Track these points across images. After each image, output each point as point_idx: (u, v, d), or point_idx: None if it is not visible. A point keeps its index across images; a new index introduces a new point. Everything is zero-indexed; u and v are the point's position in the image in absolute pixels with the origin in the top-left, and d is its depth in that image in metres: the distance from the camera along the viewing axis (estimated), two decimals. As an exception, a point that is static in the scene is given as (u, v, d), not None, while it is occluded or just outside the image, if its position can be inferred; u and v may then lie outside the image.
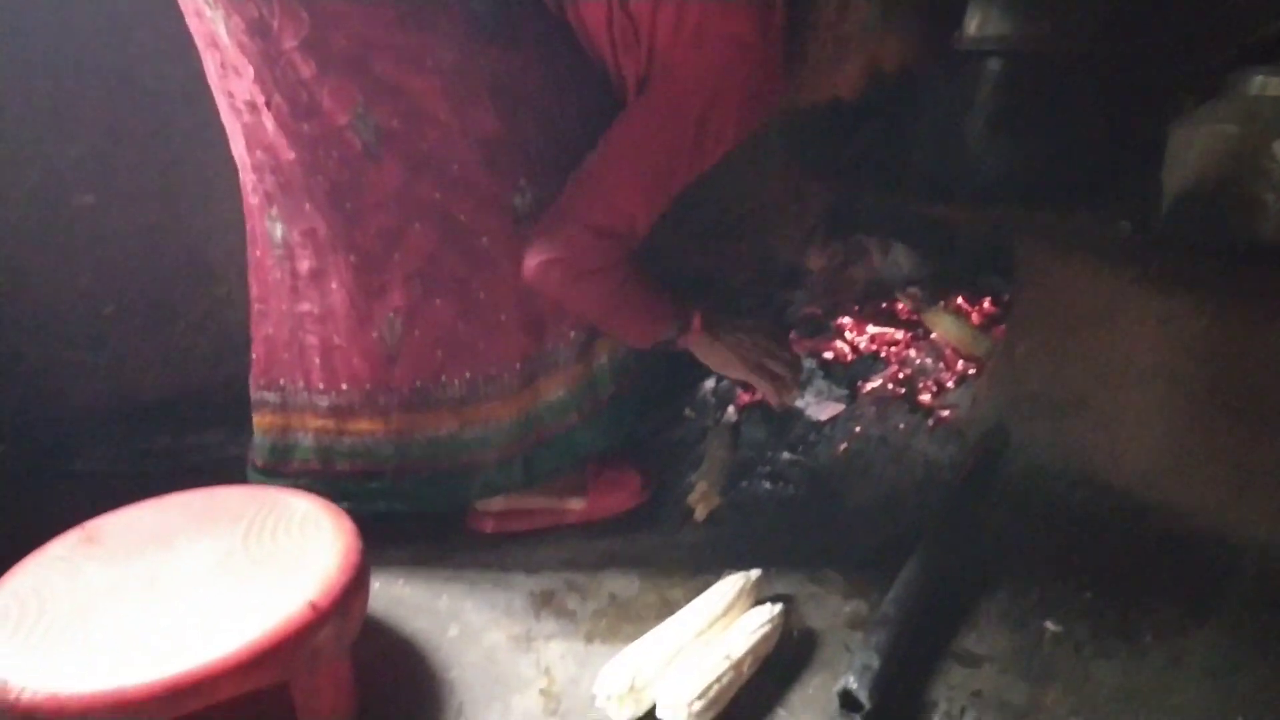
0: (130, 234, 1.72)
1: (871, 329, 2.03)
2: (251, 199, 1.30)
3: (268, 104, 1.18)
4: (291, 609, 1.01)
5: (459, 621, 1.28)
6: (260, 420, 1.38)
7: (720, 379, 1.82)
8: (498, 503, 1.46)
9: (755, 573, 1.29)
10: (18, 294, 1.68)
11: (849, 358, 1.94)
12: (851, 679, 1.10)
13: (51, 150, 1.64)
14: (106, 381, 1.75)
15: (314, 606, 1.01)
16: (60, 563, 1.09)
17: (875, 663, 1.12)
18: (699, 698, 1.05)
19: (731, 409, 1.80)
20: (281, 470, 1.37)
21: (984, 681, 1.17)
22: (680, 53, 1.18)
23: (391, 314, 1.28)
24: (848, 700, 1.09)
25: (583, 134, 1.25)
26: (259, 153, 1.24)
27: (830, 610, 1.30)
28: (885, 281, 2.17)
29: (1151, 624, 1.28)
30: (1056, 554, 1.43)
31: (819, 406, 1.82)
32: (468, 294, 1.28)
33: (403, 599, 1.32)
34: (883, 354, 1.94)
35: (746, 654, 1.14)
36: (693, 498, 1.52)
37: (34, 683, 0.92)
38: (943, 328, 1.95)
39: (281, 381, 1.35)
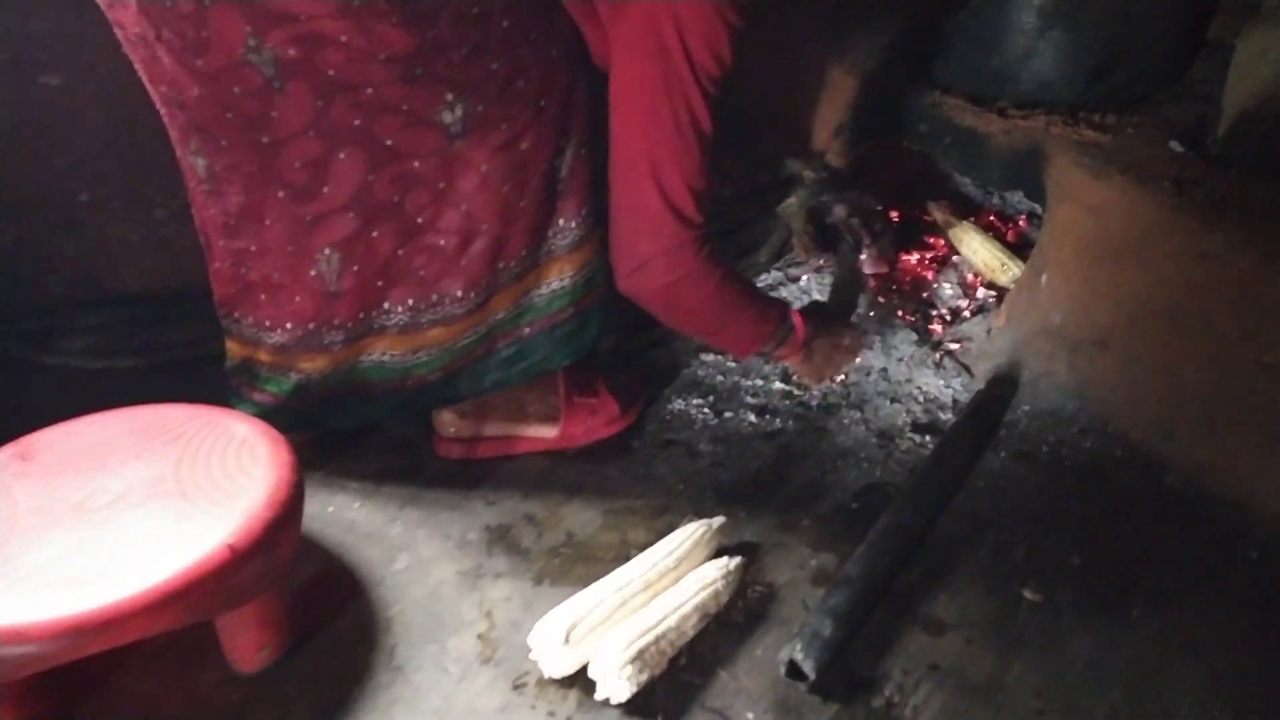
0: (103, 118, 1.63)
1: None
2: (171, 132, 1.20)
3: (158, 38, 1.07)
4: (208, 548, 0.97)
5: (409, 552, 1.24)
6: (228, 343, 1.33)
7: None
8: (465, 427, 1.41)
9: (718, 520, 1.22)
10: (-9, 174, 1.63)
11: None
12: (798, 647, 1.04)
13: (14, 25, 1.55)
14: (83, 271, 1.70)
15: (231, 548, 0.97)
16: (-10, 482, 1.06)
17: (826, 630, 1.05)
18: (631, 661, 1.00)
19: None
20: (244, 395, 1.33)
21: (945, 652, 1.10)
22: None
23: (328, 249, 1.19)
24: (793, 670, 1.04)
25: (516, 35, 1.12)
26: (163, 87, 1.13)
27: (796, 561, 1.23)
28: (914, 192, 2.01)
29: (1142, 594, 1.19)
30: (1053, 508, 1.34)
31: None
32: (405, 221, 1.19)
33: (356, 524, 1.28)
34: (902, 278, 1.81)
35: (693, 611, 1.08)
36: None
37: (-61, 612, 0.90)
38: (969, 248, 1.80)
39: (236, 314, 1.29)
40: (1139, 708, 1.04)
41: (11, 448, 1.12)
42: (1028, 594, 1.18)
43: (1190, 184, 1.43)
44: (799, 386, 1.58)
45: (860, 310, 1.70)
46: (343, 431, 1.42)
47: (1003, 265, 1.74)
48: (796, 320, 1.34)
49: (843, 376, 1.57)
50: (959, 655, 1.10)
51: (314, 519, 1.29)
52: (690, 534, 1.18)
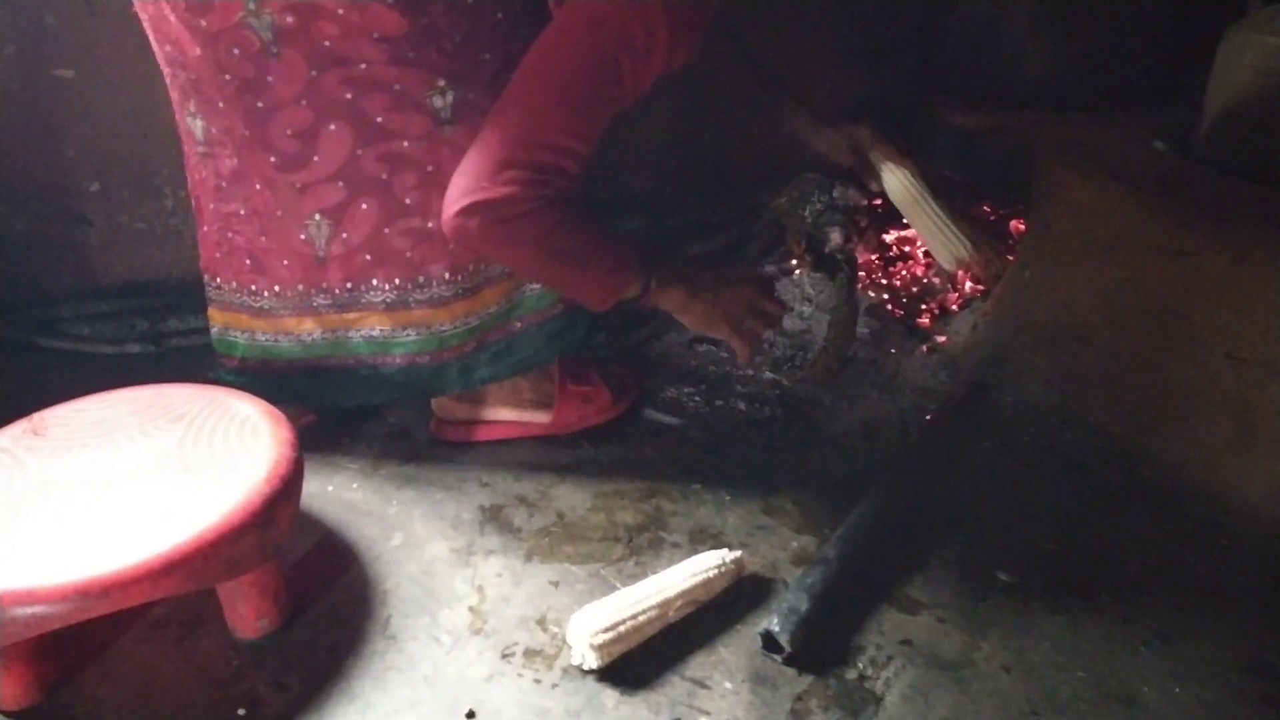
0: (113, 110, 1.68)
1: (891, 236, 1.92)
2: (173, 93, 1.25)
3: None
4: (210, 519, 1.01)
5: (404, 530, 1.28)
6: (210, 311, 1.38)
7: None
8: (461, 411, 1.45)
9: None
10: (1, 165, 1.68)
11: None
12: (775, 621, 1.08)
13: (27, 20, 1.60)
14: (93, 259, 1.75)
15: (233, 518, 1.02)
16: (3, 455, 1.11)
17: (803, 605, 1.09)
18: (605, 629, 1.04)
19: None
20: (227, 365, 1.37)
21: (918, 630, 1.14)
22: None
23: (318, 215, 1.24)
24: (769, 642, 1.08)
25: (508, 29, 1.16)
26: (168, 47, 1.19)
27: (778, 544, 1.27)
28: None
29: (1112, 580, 1.23)
30: (1030, 497, 1.37)
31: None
32: (392, 199, 1.23)
33: (354, 504, 1.33)
34: (891, 271, 1.85)
35: (678, 597, 1.11)
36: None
37: (-48, 575, 0.94)
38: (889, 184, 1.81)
39: (218, 280, 1.34)
40: (1101, 688, 1.07)
41: (24, 423, 1.17)
42: (1002, 575, 1.22)
43: (1170, 183, 1.47)
44: (788, 378, 1.62)
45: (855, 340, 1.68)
46: (343, 414, 1.46)
47: (988, 260, 1.76)
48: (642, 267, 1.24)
49: (769, 336, 1.48)
50: (931, 632, 1.13)
51: (314, 497, 1.33)
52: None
